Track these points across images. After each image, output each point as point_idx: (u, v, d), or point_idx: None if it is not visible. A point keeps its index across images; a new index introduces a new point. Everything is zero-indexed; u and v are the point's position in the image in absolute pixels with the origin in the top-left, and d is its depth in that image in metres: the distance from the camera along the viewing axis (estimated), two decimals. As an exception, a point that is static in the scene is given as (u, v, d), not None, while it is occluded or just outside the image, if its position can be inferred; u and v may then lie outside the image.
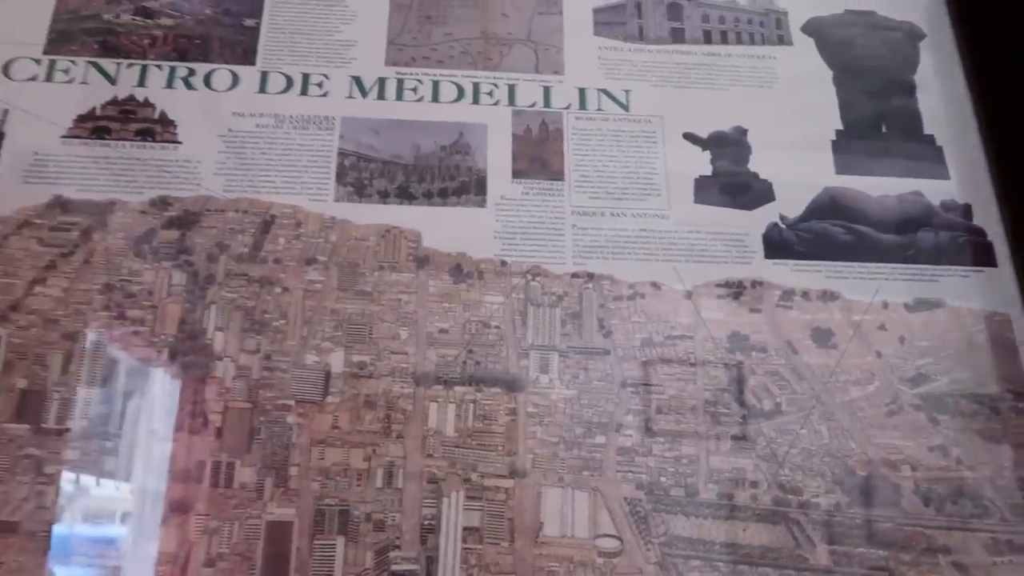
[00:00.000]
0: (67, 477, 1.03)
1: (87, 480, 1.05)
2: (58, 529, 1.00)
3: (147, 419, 1.05)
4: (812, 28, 1.36)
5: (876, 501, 1.05)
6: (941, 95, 1.33)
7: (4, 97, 1.23)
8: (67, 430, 1.04)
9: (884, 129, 1.29)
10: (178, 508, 1.01)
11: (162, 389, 1.06)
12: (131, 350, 1.08)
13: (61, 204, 1.17)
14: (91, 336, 1.09)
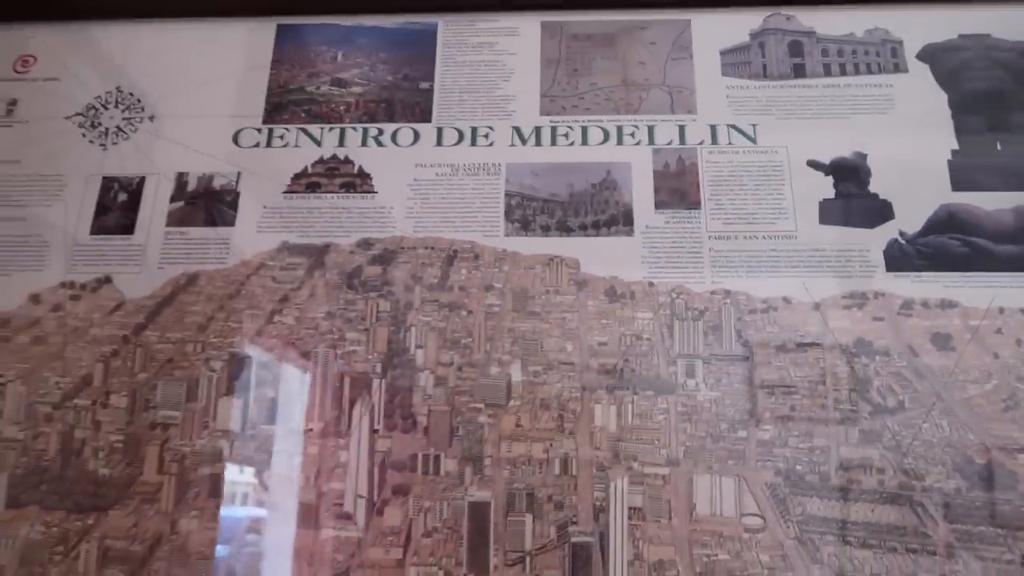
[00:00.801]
0: (309, 466, 1.32)
1: (324, 470, 1.33)
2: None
3: (369, 421, 1.34)
4: (926, 54, 1.51)
5: (994, 486, 1.21)
6: None
7: (236, 162, 1.55)
8: (308, 430, 1.33)
9: (999, 147, 1.42)
10: (399, 491, 1.29)
11: (378, 397, 1.35)
12: (351, 365, 1.37)
13: (288, 248, 1.47)
14: (320, 355, 1.38)
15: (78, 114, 1.58)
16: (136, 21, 1.65)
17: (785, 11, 1.52)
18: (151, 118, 1.55)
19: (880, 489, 1.18)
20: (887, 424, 1.21)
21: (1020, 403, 1.22)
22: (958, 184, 1.37)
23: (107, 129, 1.56)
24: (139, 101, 1.57)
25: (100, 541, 1.25)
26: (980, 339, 1.26)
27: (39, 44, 1.64)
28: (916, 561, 1.14)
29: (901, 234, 1.34)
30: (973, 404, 1.22)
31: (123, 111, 1.57)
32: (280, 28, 1.61)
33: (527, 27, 1.57)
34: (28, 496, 1.27)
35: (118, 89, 1.59)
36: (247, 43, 1.60)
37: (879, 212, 1.36)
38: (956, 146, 1.40)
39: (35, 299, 1.43)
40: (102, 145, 1.54)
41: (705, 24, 1.53)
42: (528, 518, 1.23)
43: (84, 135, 1.55)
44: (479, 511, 1.24)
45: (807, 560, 1.16)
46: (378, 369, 1.33)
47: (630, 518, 1.21)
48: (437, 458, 1.27)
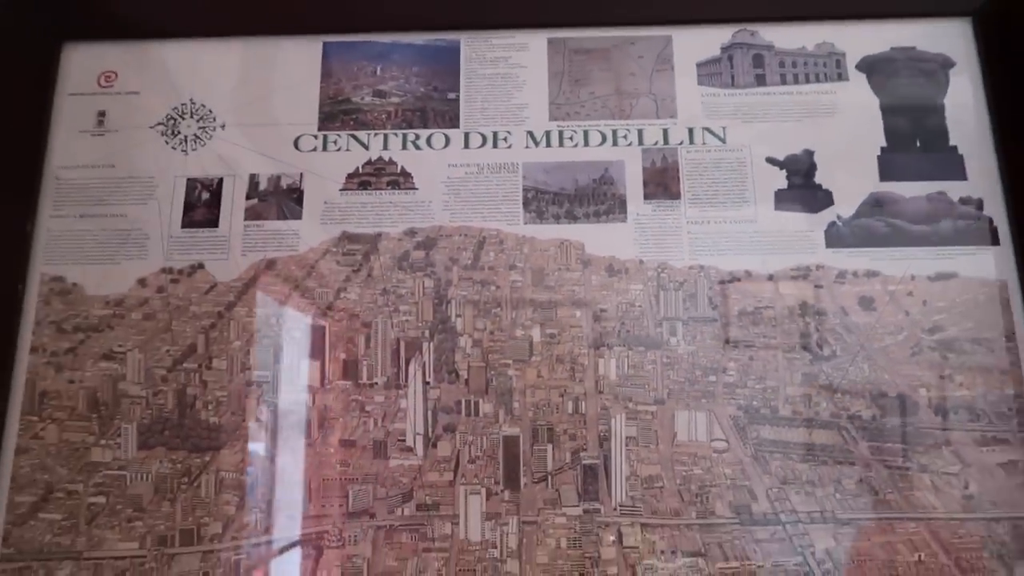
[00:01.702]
0: (376, 413, 1.73)
1: (389, 414, 1.73)
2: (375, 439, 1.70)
3: (421, 375, 1.74)
4: (864, 65, 1.87)
5: (902, 413, 1.64)
6: (964, 112, 1.83)
7: (299, 164, 1.91)
8: (374, 383, 1.74)
9: (918, 144, 1.81)
10: (448, 429, 1.70)
11: (428, 356, 1.75)
12: (405, 332, 1.76)
13: (347, 237, 1.84)
14: (379, 324, 1.78)
15: (159, 123, 1.90)
16: (200, 40, 1.94)
17: (750, 27, 1.87)
18: (222, 126, 1.89)
19: (816, 418, 1.61)
20: (823, 368, 1.63)
21: (923, 350, 1.64)
22: (885, 175, 1.74)
23: (186, 137, 1.89)
24: (210, 112, 1.90)
25: (216, 473, 1.65)
26: (896, 300, 1.67)
27: (119, 60, 1.93)
28: (840, 471, 1.58)
29: (838, 217, 1.73)
30: (888, 352, 1.64)
31: (198, 121, 1.90)
32: (326, 45, 1.93)
33: (536, 43, 1.88)
34: (155, 440, 1.67)
35: (191, 101, 1.91)
36: (298, 59, 1.90)
37: (822, 200, 1.74)
38: (884, 144, 1.77)
39: (142, 282, 1.79)
40: (183, 151, 1.87)
41: (684, 39, 1.87)
42: (549, 447, 1.59)
43: (167, 142, 1.88)
44: (511, 443, 1.64)
45: (760, 472, 1.59)
46: (426, 334, 1.71)
47: (627, 445, 1.54)
48: (477, 403, 1.67)
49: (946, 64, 1.74)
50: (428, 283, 1.67)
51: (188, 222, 1.75)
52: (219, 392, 1.63)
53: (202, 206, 1.77)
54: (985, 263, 1.60)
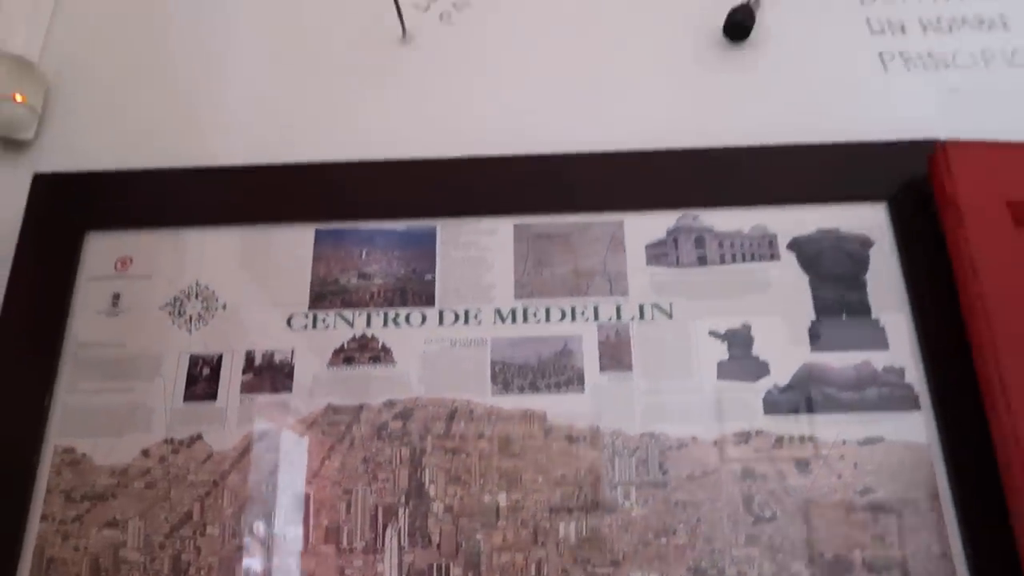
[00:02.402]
0: (356, 574, 1.88)
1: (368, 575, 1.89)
2: None
3: (397, 540, 1.91)
4: (794, 245, 2.11)
5: (839, 574, 1.80)
6: (884, 287, 2.06)
7: (290, 341, 2.14)
8: (353, 548, 1.90)
9: (844, 317, 2.03)
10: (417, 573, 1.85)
11: (403, 521, 1.92)
12: (382, 498, 1.94)
13: (332, 408, 2.05)
14: (359, 491, 1.96)
15: (167, 304, 2.15)
16: (206, 227, 2.22)
17: (692, 212, 2.13)
18: (224, 307, 2.13)
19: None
20: (764, 530, 1.80)
21: (856, 510, 1.82)
22: (815, 347, 1.97)
23: (190, 316, 2.12)
24: (214, 293, 2.15)
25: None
26: (829, 464, 1.86)
27: (135, 247, 2.20)
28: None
29: (775, 386, 1.94)
30: (824, 513, 1.81)
31: (202, 301, 2.14)
32: (318, 232, 2.19)
33: (503, 228, 2.13)
34: (149, 604, 1.83)
35: (197, 283, 2.17)
36: (292, 244, 2.18)
37: (759, 370, 1.95)
38: (814, 317, 2.00)
39: (145, 453, 1.99)
40: (188, 330, 2.11)
41: (634, 224, 2.11)
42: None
43: (173, 322, 2.12)
44: None
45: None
46: (402, 500, 1.91)
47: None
48: (448, 566, 1.85)
49: (866, 243, 1.98)
50: (404, 452, 1.87)
51: (189, 395, 1.97)
52: (211, 558, 1.80)
53: (203, 380, 1.99)
54: (909, 427, 1.79)
